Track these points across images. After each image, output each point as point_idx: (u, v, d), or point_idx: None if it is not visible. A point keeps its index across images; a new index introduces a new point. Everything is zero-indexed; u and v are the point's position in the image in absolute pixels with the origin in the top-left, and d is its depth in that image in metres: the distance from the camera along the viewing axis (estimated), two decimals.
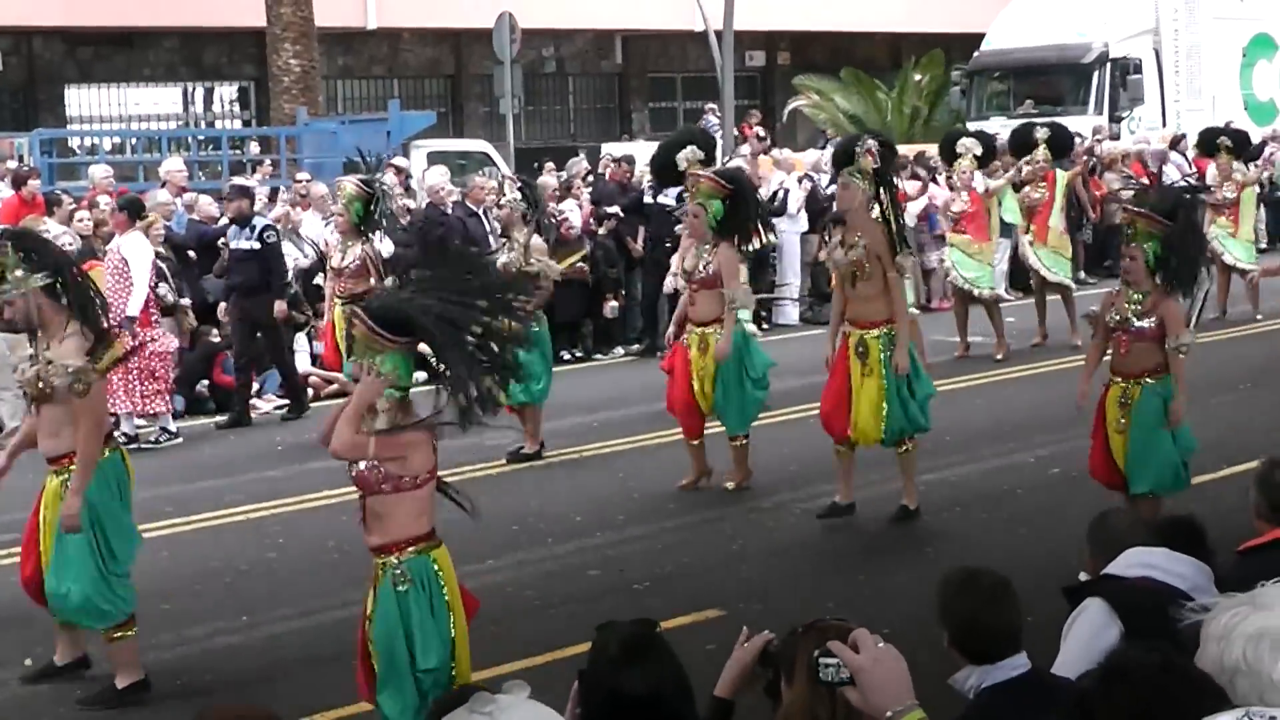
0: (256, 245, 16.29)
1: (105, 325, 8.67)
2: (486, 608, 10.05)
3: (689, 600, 9.82)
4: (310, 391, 17.40)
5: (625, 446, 14.46)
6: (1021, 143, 19.79)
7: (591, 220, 20.36)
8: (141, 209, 16.03)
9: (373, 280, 14.33)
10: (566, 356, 19.50)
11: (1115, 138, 28.95)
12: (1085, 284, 24.19)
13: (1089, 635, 5.51)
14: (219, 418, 16.45)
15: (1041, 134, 19.46)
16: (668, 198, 19.49)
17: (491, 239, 19.00)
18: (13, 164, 20.71)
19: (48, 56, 31.25)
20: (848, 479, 11.77)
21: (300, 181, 20.94)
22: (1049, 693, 5.06)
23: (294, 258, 18.39)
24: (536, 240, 13.91)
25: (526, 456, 13.94)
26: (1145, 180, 24.67)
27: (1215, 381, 15.96)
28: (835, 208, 11.70)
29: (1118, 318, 10.24)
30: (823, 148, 25.94)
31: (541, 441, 14.13)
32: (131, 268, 15.20)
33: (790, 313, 21.70)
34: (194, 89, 33.63)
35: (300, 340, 17.80)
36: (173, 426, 15.58)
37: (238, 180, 19.03)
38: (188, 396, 16.78)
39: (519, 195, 14.09)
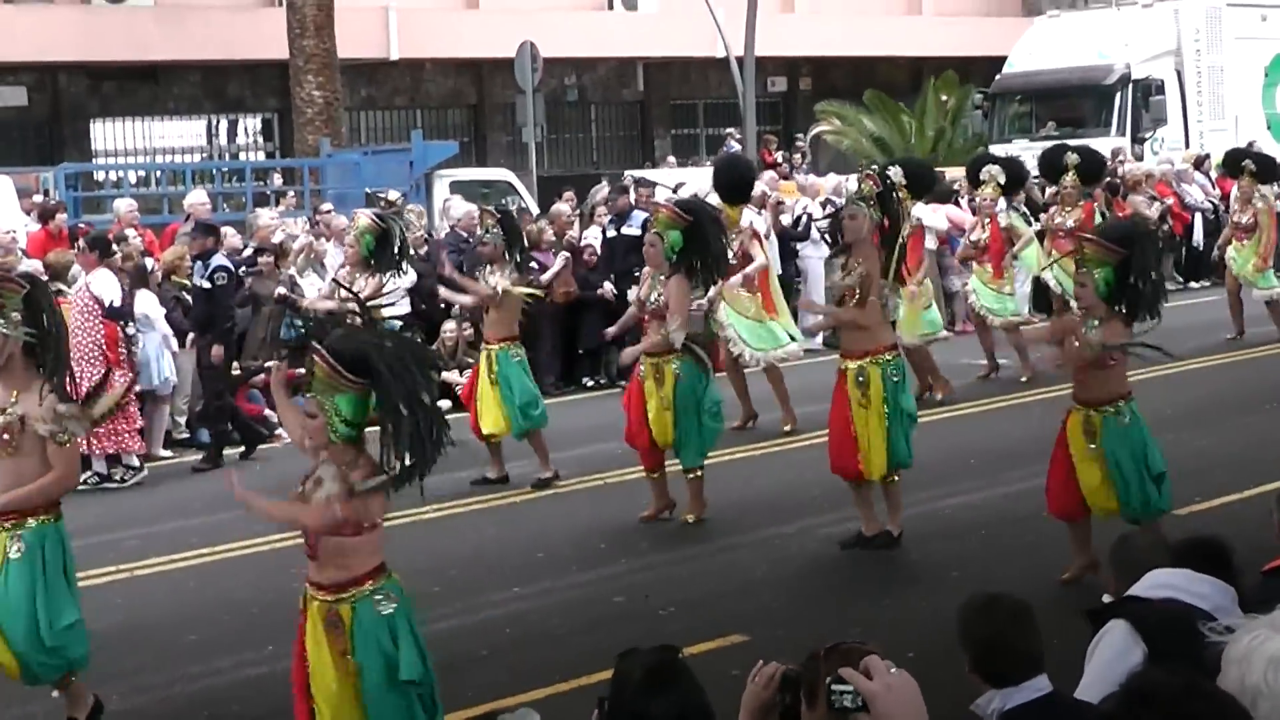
0: (206, 285, 15.99)
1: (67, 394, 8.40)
2: (512, 635, 10.09)
3: (713, 626, 9.81)
4: None
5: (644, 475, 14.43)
6: (1051, 166, 19.43)
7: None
8: (109, 246, 15.79)
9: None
10: (589, 383, 19.50)
11: (1138, 159, 28.94)
12: None
13: (1112, 658, 5.50)
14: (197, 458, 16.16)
15: (1072, 159, 18.94)
16: (631, 227, 19.42)
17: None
18: (39, 198, 20.82)
19: (72, 91, 31.41)
20: (869, 509, 11.69)
21: (323, 213, 21.01)
22: (1072, 715, 5.06)
23: (318, 288, 18.44)
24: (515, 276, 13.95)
25: (546, 482, 13.94)
26: (1169, 201, 24.66)
27: (1239, 401, 15.94)
28: (843, 237, 11.71)
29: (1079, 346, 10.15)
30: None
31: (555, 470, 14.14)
32: (103, 306, 15.00)
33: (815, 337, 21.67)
34: (218, 121, 33.78)
35: None
36: (136, 462, 15.29)
37: (204, 218, 18.95)
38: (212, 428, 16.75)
39: (499, 229, 14.01)
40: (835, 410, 11.59)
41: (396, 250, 14.26)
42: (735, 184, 16.33)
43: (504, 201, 22.86)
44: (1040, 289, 20.16)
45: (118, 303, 15.14)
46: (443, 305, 17.84)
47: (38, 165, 25.76)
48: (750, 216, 17.28)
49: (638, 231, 19.31)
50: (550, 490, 13.83)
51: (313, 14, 27.40)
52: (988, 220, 18.34)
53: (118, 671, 9.39)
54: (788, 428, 15.95)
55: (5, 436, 8.25)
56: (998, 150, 26.93)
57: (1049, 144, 29.20)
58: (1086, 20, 34.35)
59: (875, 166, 12.23)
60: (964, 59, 38.02)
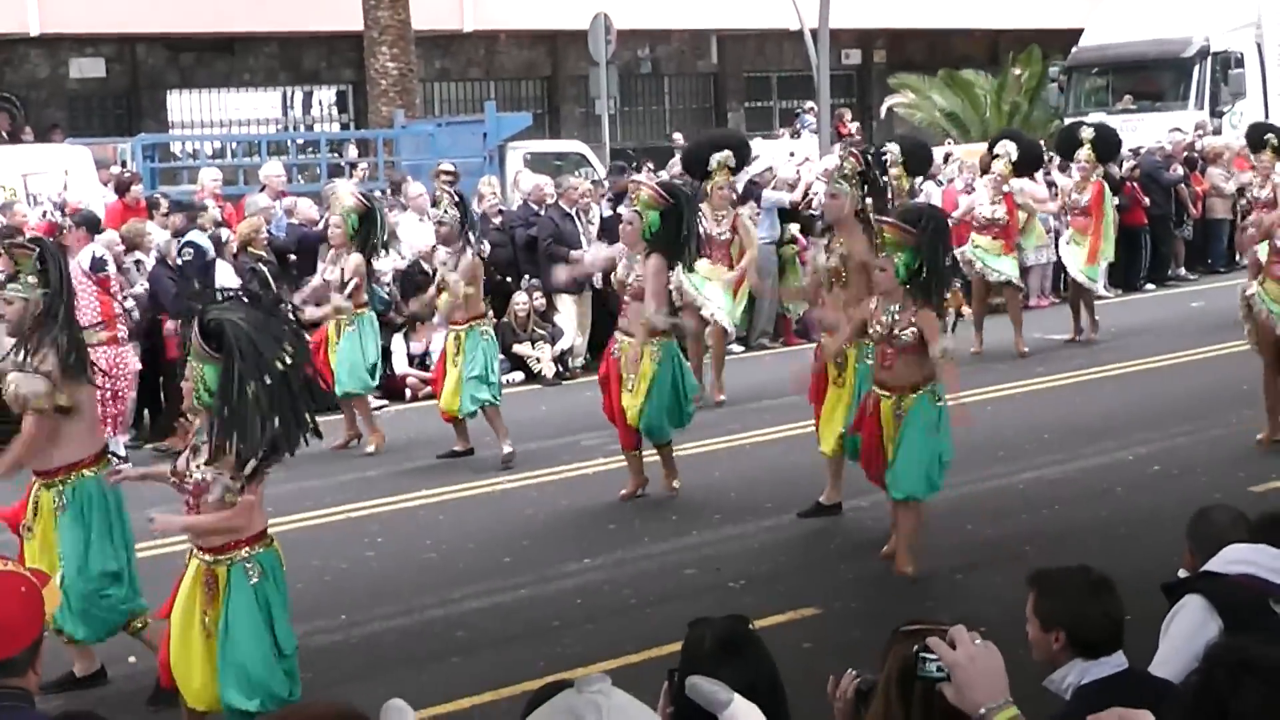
0: (178, 262, 15.96)
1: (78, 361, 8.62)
2: (583, 605, 10.11)
3: (785, 599, 9.81)
4: (408, 393, 17.51)
5: (719, 446, 14.45)
6: (1067, 143, 19.58)
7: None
8: (98, 224, 15.66)
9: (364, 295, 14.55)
10: None
11: (1217, 132, 28.61)
12: (1187, 280, 24.02)
13: (1188, 633, 5.47)
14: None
15: (1086, 134, 19.14)
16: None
17: (584, 240, 19.06)
18: (116, 169, 20.96)
19: (150, 63, 31.61)
20: (837, 480, 11.89)
21: (398, 181, 21.07)
22: (1148, 689, 5.03)
23: (392, 260, 18.52)
24: (468, 258, 13.79)
25: (509, 458, 13.85)
26: (1249, 175, 24.41)
27: None
28: (824, 216, 11.67)
29: (880, 331, 10.08)
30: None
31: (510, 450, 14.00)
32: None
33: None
34: (293, 93, 33.91)
35: (397, 341, 17.91)
36: (122, 451, 14.74)
37: (278, 189, 19.09)
38: None
39: (456, 211, 13.91)
40: (813, 394, 11.88)
41: (378, 230, 14.34)
42: (700, 161, 16.18)
43: (578, 173, 22.83)
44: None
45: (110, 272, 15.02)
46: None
47: (116, 136, 25.93)
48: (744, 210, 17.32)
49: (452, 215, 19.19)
50: (621, 461, 13.83)
51: None
52: (1001, 198, 18.52)
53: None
54: (720, 398, 16.17)
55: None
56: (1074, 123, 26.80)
57: (1126, 117, 29.09)
58: None
59: (860, 146, 12.21)
60: (1041, 31, 37.69)
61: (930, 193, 22.84)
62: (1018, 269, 19.07)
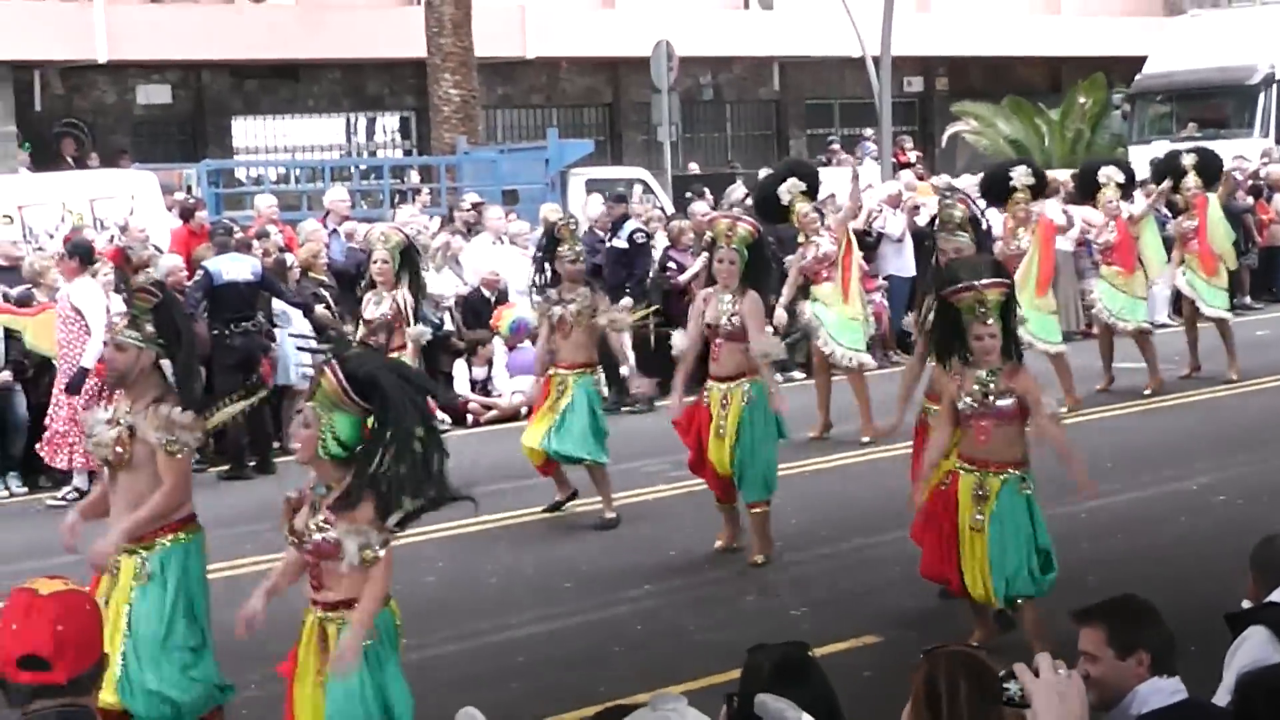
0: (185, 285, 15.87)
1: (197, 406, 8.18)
2: (643, 631, 10.11)
3: (845, 626, 9.78)
4: (469, 418, 17.57)
5: (781, 473, 14.40)
6: (1169, 170, 18.78)
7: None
8: (92, 255, 15.43)
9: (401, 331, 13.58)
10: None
11: None
12: (1251, 309, 23.83)
13: (1251, 663, 5.43)
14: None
15: (1189, 160, 18.45)
16: (620, 240, 19.10)
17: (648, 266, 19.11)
18: (180, 195, 21.13)
19: (215, 89, 31.85)
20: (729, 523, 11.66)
21: (462, 210, 21.16)
22: (1212, 718, 5.00)
23: (454, 285, 18.62)
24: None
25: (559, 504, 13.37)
26: None
27: None
28: (718, 278, 11.51)
29: (972, 402, 9.03)
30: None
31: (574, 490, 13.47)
32: (86, 316, 14.68)
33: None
34: (356, 119, 34.10)
35: (459, 366, 17.99)
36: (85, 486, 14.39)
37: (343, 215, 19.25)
38: None
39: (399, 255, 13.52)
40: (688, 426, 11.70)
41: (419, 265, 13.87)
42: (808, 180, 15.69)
43: (640, 200, 22.83)
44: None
45: (99, 312, 14.56)
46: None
47: (181, 162, 26.16)
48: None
49: (624, 245, 19.10)
50: (685, 487, 13.81)
51: (450, 13, 27.60)
52: (1113, 222, 17.91)
53: (248, 658, 9.48)
54: (866, 439, 15.20)
55: (118, 449, 7.98)
56: (1137, 151, 26.68)
57: (1190, 145, 28.90)
58: (1229, 19, 33.84)
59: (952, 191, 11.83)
60: (1103, 59, 37.57)
61: (994, 220, 22.76)
62: (1143, 311, 18.06)
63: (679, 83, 29.24)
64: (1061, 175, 22.24)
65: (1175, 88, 32.04)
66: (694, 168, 31.51)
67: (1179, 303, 20.60)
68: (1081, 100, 35.11)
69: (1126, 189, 17.95)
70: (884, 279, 21.03)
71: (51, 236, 17.90)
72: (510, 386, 17.93)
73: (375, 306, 13.75)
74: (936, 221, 11.13)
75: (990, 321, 8.84)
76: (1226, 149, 27.50)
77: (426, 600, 11.07)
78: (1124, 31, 39.23)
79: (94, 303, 14.78)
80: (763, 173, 24.96)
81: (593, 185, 25.15)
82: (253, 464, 15.76)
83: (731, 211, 12.90)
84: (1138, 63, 33.56)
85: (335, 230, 18.97)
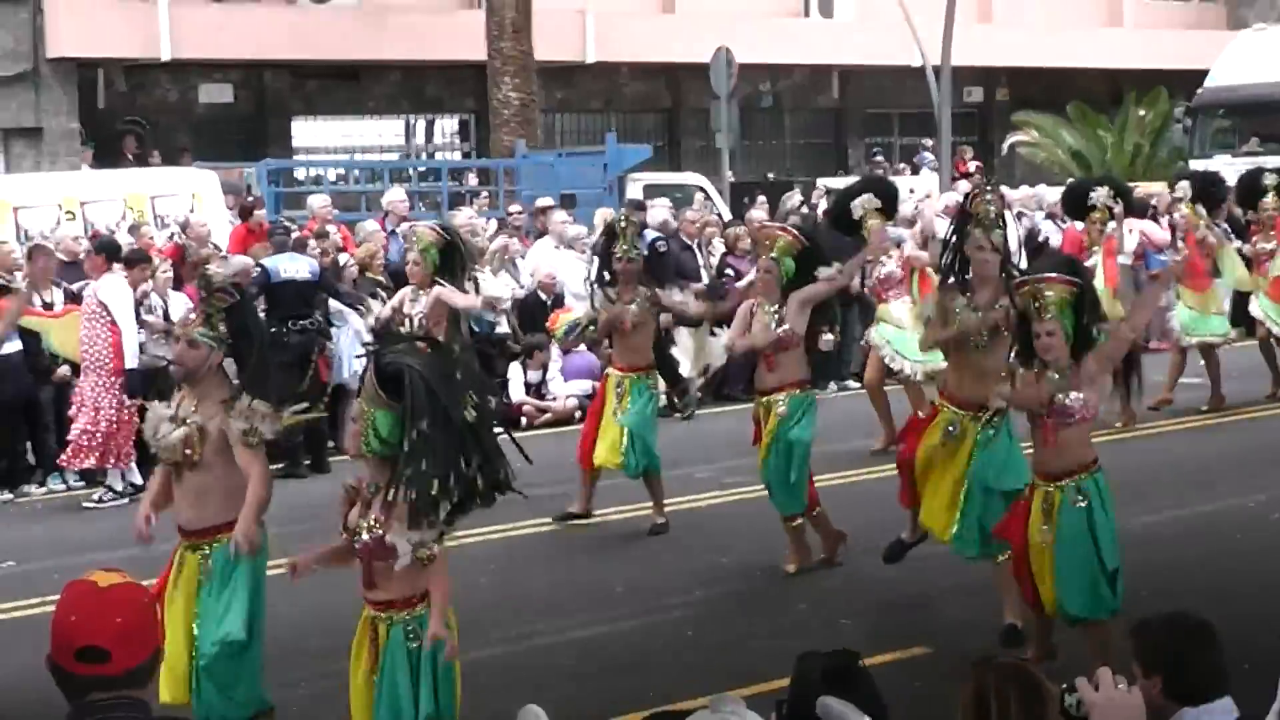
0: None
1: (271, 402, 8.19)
2: (694, 636, 10.11)
3: (895, 637, 9.77)
4: (524, 420, 17.60)
5: (831, 483, 14.40)
6: (1249, 189, 18.34)
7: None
8: (119, 251, 15.44)
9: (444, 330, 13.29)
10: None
11: None
12: None
13: None
14: None
15: (1271, 180, 17.94)
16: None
17: (704, 272, 19.10)
18: (241, 193, 21.26)
19: (276, 89, 32.04)
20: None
21: (515, 213, 21.21)
22: None
23: (511, 288, 18.67)
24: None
25: (573, 515, 13.21)
26: None
27: None
28: (756, 288, 11.50)
29: (1042, 405, 8.71)
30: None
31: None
32: (114, 313, 14.73)
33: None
34: (415, 121, 34.24)
35: (514, 369, 18.04)
36: (119, 486, 14.83)
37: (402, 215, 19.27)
38: None
39: (436, 254, 13.22)
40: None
41: (463, 260, 13.46)
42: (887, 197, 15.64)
43: (697, 206, 22.83)
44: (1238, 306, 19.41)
45: (127, 309, 14.70)
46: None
47: (241, 161, 26.33)
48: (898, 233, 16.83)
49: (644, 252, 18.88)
50: (738, 494, 13.81)
51: (511, 16, 27.69)
52: (1184, 237, 17.68)
53: (304, 652, 9.55)
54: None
55: (186, 450, 8.03)
56: (1198, 166, 26.48)
57: (1251, 160, 28.70)
58: None
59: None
60: (1165, 72, 37.37)
61: (1050, 232, 22.72)
62: (1226, 324, 17.83)
63: (738, 90, 29.24)
64: (1155, 187, 21.96)
65: (1237, 102, 31.83)
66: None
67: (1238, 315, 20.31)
68: (1140, 113, 34.93)
69: (1206, 202, 17.58)
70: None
71: (113, 232, 18.03)
72: (565, 390, 17.97)
73: (410, 302, 13.64)
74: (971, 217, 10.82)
75: (1049, 318, 8.50)
76: None
77: (480, 603, 11.09)
78: (1186, 44, 39.02)
79: (121, 299, 14.85)
80: (833, 183, 24.98)
81: (650, 190, 25.18)
82: (308, 462, 15.82)
83: (779, 222, 12.74)
84: (1200, 76, 33.37)
85: (394, 231, 19.04)
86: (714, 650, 9.84)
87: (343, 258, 17.39)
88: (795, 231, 11.91)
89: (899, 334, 15.79)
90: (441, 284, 13.09)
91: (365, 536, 6.93)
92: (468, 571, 11.75)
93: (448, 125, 34.68)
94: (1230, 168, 25.31)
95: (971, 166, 33.18)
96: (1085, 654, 8.44)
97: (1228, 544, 11.99)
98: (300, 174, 28.81)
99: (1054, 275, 8.64)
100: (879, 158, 32.61)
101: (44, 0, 28.30)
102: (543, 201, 21.68)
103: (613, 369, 13.03)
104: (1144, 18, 41.69)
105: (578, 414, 17.92)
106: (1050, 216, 23.17)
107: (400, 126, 34.04)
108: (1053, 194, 23.43)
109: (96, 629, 4.06)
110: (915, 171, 32.42)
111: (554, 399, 18.09)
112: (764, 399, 11.54)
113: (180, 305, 15.74)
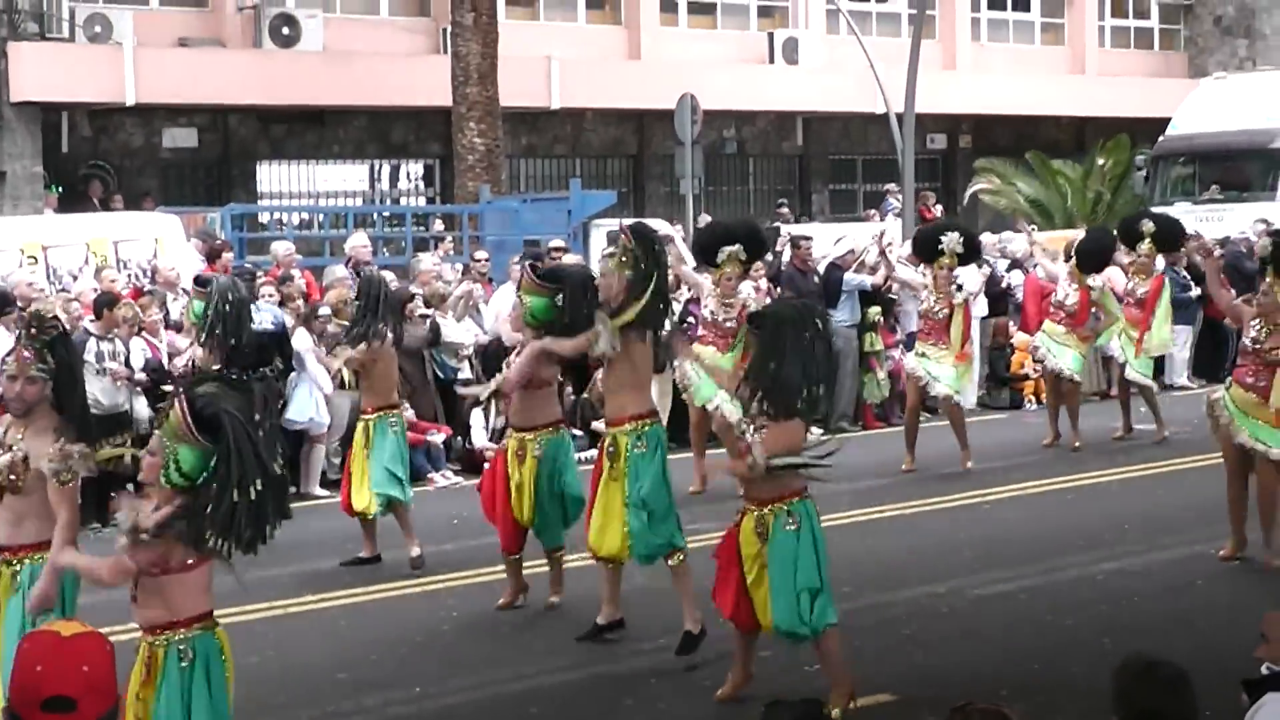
0: None
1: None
2: (657, 686, 10.08)
3: (860, 684, 9.74)
4: (485, 465, 17.54)
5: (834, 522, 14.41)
6: (1128, 234, 18.95)
7: (769, 299, 20.35)
8: (6, 303, 15.39)
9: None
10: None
11: None
12: None
13: None
14: None
15: (1148, 227, 18.62)
16: None
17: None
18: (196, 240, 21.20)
19: (242, 133, 32.01)
20: (613, 590, 10.93)
21: (480, 260, 21.20)
22: None
23: (474, 333, 18.67)
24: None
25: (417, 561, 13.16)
26: None
27: None
28: (600, 297, 10.75)
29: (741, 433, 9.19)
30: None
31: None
32: None
33: (969, 398, 21.36)
34: (380, 166, 34.25)
35: (476, 414, 18.01)
36: None
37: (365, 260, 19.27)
38: None
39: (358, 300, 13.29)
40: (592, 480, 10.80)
41: (380, 313, 13.24)
42: (754, 240, 15.63)
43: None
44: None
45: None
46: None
47: (206, 205, 26.27)
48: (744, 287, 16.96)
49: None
50: (705, 540, 13.76)
51: (477, 62, 27.74)
52: (1076, 287, 18.12)
53: (267, 707, 9.51)
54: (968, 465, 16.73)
55: (12, 476, 8.15)
56: (1159, 212, 26.66)
57: (1212, 207, 28.91)
58: (1254, 83, 33.87)
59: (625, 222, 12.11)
60: (1128, 120, 37.66)
61: (1014, 281, 22.83)
62: (1079, 363, 18.41)
63: (703, 136, 29.34)
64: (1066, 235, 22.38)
65: (1198, 150, 32.07)
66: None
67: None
68: (1101, 161, 35.17)
69: (967, 258, 17.72)
70: (905, 336, 21.03)
71: (75, 278, 17.98)
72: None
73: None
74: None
75: None
76: (1248, 212, 27.60)
77: (442, 648, 11.07)
78: (1149, 93, 39.33)
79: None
80: (797, 229, 25.10)
81: (615, 236, 25.20)
82: None
83: (526, 265, 12.10)
84: (1162, 124, 33.61)
85: (356, 275, 18.99)
86: (678, 698, 9.81)
87: (323, 311, 17.22)
88: (539, 279, 11.38)
89: (930, 362, 16.94)
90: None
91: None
92: (431, 617, 11.74)
93: (413, 170, 34.69)
94: (1191, 215, 25.54)
95: (936, 212, 33.30)
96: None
97: (1189, 591, 12.03)
98: (264, 218, 28.77)
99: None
100: (783, 208, 32.27)
101: (8, 44, 28.25)
102: (481, 254, 21.61)
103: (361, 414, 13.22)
104: (1107, 66, 41.99)
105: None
106: (1016, 264, 23.28)
107: (365, 171, 34.03)
108: (1018, 241, 23.56)
109: (63, 679, 4.05)
110: (882, 217, 32.54)
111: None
112: (518, 435, 11.62)
113: (138, 352, 15.74)
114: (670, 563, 10.58)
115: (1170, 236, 19.01)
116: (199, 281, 14.64)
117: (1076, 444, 18.14)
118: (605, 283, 10.72)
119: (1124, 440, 18.73)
